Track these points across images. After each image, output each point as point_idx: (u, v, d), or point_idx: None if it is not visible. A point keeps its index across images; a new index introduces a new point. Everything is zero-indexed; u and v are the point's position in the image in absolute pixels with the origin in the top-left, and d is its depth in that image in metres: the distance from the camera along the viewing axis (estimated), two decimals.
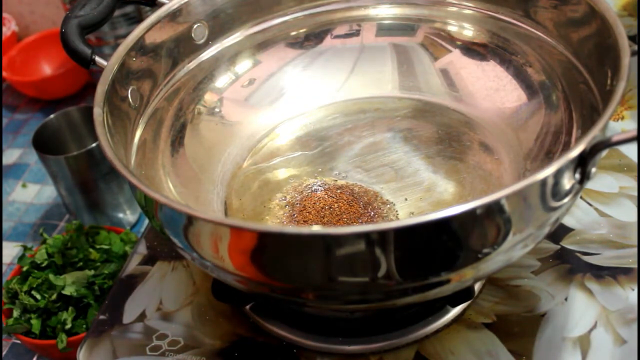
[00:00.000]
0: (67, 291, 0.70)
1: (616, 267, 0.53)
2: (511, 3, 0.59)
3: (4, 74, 1.14)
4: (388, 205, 0.54)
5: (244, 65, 0.64)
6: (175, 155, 0.58)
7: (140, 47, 0.54)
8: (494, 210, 0.38)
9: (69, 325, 0.70)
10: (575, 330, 0.50)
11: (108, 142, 0.44)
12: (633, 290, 0.52)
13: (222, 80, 0.63)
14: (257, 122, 0.64)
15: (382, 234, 0.37)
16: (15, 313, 0.71)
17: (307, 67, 0.66)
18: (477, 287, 0.53)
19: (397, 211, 0.54)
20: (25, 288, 0.72)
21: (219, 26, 0.62)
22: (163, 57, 0.57)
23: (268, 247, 0.39)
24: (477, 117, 0.61)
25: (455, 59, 0.63)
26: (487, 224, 0.38)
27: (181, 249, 0.44)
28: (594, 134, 0.38)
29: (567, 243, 0.56)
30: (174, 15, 0.57)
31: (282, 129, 0.64)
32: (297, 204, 0.56)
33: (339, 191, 0.56)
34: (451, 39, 0.64)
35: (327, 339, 0.51)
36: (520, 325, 0.50)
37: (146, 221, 0.86)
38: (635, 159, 0.61)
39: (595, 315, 0.50)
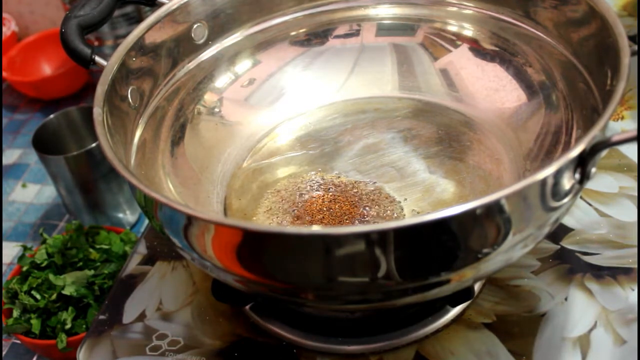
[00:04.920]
0: (67, 291, 0.70)
1: (616, 267, 0.53)
2: (511, 3, 0.59)
3: (4, 74, 1.14)
4: (393, 203, 0.54)
5: (243, 65, 0.64)
6: (175, 155, 0.58)
7: (140, 47, 0.54)
8: (494, 210, 0.38)
9: (69, 325, 0.70)
10: (575, 330, 0.50)
11: (108, 142, 0.44)
12: (633, 290, 0.52)
13: (222, 80, 0.63)
14: (257, 122, 0.64)
15: (382, 234, 0.37)
16: (15, 313, 0.71)
17: (307, 67, 0.66)
18: (477, 287, 0.53)
19: (402, 209, 0.54)
20: (25, 288, 0.72)
21: (219, 26, 0.62)
22: (163, 57, 0.57)
23: (268, 248, 0.39)
24: (477, 117, 0.61)
25: (455, 59, 0.63)
26: (487, 224, 0.38)
27: (181, 249, 0.44)
28: (594, 134, 0.38)
29: (567, 243, 0.56)
30: (173, 15, 0.57)
31: (282, 129, 0.64)
32: (297, 204, 0.56)
33: (339, 191, 0.56)
34: (451, 39, 0.64)
35: (327, 339, 0.51)
36: (520, 325, 0.50)
37: (146, 221, 0.86)
38: (635, 159, 0.61)
39: (595, 315, 0.50)
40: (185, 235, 0.41)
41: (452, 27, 0.64)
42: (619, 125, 0.66)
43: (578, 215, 0.58)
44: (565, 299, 0.52)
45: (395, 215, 0.54)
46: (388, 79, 0.65)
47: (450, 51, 0.63)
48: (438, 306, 0.52)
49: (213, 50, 0.62)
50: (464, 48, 0.63)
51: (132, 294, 0.58)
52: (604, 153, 0.48)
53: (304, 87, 0.66)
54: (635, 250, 0.54)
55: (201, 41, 0.61)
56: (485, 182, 0.55)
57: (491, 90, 0.61)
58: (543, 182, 0.38)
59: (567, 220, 0.57)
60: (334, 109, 0.65)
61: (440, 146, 0.59)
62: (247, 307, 0.54)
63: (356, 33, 0.66)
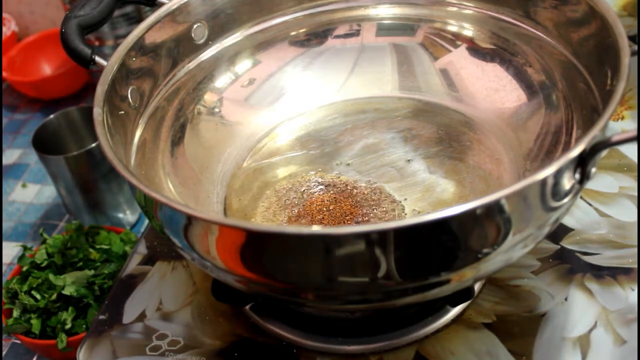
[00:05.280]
0: (67, 291, 0.70)
1: (616, 267, 0.53)
2: (511, 3, 0.59)
3: (4, 74, 1.14)
4: (394, 203, 0.54)
5: (244, 65, 0.64)
6: (175, 155, 0.58)
7: (140, 47, 0.54)
8: (494, 210, 0.38)
9: (69, 325, 0.70)
10: (575, 330, 0.50)
11: (108, 142, 0.44)
12: (633, 290, 0.52)
13: (222, 80, 0.63)
14: (257, 122, 0.64)
15: (382, 234, 0.37)
16: (15, 313, 0.71)
17: (307, 67, 0.66)
18: (477, 287, 0.53)
19: (403, 209, 0.54)
20: (25, 288, 0.72)
21: (219, 26, 0.62)
22: (163, 57, 0.57)
23: (268, 247, 0.39)
24: (477, 117, 0.61)
25: (455, 59, 0.63)
26: (487, 224, 0.38)
27: (181, 249, 0.44)
28: (594, 134, 0.38)
29: (567, 243, 0.56)
30: (173, 15, 0.57)
31: (282, 129, 0.64)
32: (297, 204, 0.56)
33: (339, 191, 0.56)
34: (451, 39, 0.64)
35: (327, 339, 0.51)
36: (520, 325, 0.50)
37: (146, 221, 0.86)
38: (635, 159, 0.61)
39: (595, 315, 0.50)
40: (185, 235, 0.41)
41: (452, 27, 0.64)
42: (619, 125, 0.66)
43: (578, 215, 0.58)
44: (565, 299, 0.52)
45: (396, 215, 0.54)
46: (388, 79, 0.65)
47: (450, 51, 0.63)
48: (438, 306, 0.52)
49: (213, 50, 0.62)
50: (464, 48, 0.63)
51: (132, 294, 0.58)
52: (604, 153, 0.48)
53: (304, 87, 0.66)
54: (635, 250, 0.54)
55: (201, 41, 0.61)
56: (485, 182, 0.55)
57: (491, 90, 0.61)
58: (543, 182, 0.38)
59: (567, 220, 0.57)
60: (334, 109, 0.65)
61: (440, 146, 0.59)
62: (247, 307, 0.54)
63: (356, 33, 0.66)
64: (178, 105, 0.59)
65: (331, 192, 0.56)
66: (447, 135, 0.60)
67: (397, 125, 0.62)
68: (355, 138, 0.61)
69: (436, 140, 0.60)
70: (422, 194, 0.55)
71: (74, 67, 1.09)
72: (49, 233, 0.90)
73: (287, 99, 0.65)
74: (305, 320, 0.53)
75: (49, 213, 0.95)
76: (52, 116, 0.87)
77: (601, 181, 0.60)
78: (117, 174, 0.42)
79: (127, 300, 0.57)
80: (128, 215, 0.89)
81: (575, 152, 0.38)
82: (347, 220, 0.53)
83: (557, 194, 0.40)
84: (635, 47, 0.46)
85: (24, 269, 0.75)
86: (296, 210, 0.55)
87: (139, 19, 1.03)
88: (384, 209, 0.54)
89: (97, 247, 0.76)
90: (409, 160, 0.58)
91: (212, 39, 0.61)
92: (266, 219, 0.55)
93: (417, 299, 0.43)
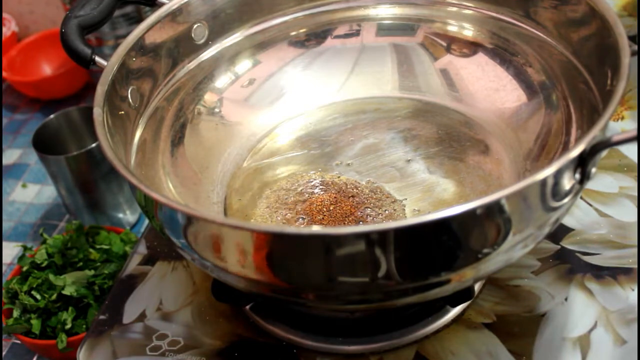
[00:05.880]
0: (67, 291, 0.70)
1: (616, 267, 0.53)
2: (511, 3, 0.59)
3: (4, 74, 1.14)
4: (394, 203, 0.54)
5: (244, 65, 0.64)
6: (175, 155, 0.58)
7: (140, 47, 0.54)
8: (494, 210, 0.38)
9: (69, 325, 0.70)
10: (575, 331, 0.50)
11: (108, 142, 0.44)
12: (633, 290, 0.52)
13: (222, 80, 0.63)
14: (257, 122, 0.64)
15: (382, 234, 0.37)
16: (15, 313, 0.71)
17: (307, 67, 0.66)
18: (477, 287, 0.53)
19: (403, 209, 0.54)
20: (25, 288, 0.72)
21: (219, 26, 0.62)
22: (163, 57, 0.57)
23: (268, 248, 0.39)
24: (477, 117, 0.61)
25: (455, 59, 0.63)
26: (487, 224, 0.38)
27: (181, 249, 0.44)
28: (594, 134, 0.38)
29: (567, 243, 0.56)
30: (174, 15, 0.57)
31: (282, 129, 0.64)
32: (297, 204, 0.56)
33: (339, 191, 0.56)
34: (451, 39, 0.64)
35: (327, 339, 0.51)
36: (520, 325, 0.50)
37: (146, 221, 0.86)
38: (635, 159, 0.61)
39: (595, 315, 0.50)
40: (185, 235, 0.41)
41: (452, 27, 0.64)
42: (619, 125, 0.66)
43: (578, 215, 0.58)
44: (566, 299, 0.52)
45: (396, 215, 0.54)
46: (388, 79, 0.65)
47: (450, 51, 0.63)
48: (438, 306, 0.52)
49: (213, 50, 0.62)
50: (465, 48, 0.63)
51: (132, 294, 0.58)
52: (604, 153, 0.48)
53: (304, 87, 0.66)
54: (635, 250, 0.54)
55: (201, 41, 0.61)
56: (485, 182, 0.55)
57: (491, 90, 0.61)
58: (543, 182, 0.38)
59: (567, 220, 0.57)
60: (334, 109, 0.65)
61: (440, 146, 0.59)
62: (247, 307, 0.54)
63: (356, 33, 0.66)
64: (178, 105, 0.59)
65: (331, 192, 0.56)
66: (447, 135, 0.60)
67: (397, 125, 0.62)
68: (355, 138, 0.61)
69: (436, 140, 0.60)
70: (422, 194, 0.55)
71: (74, 67, 1.09)
72: (49, 233, 0.90)
73: (287, 99, 0.65)
74: (305, 320, 0.53)
75: (49, 213, 0.95)
76: (52, 116, 0.87)
77: (601, 181, 0.60)
78: (117, 174, 0.42)
79: (127, 300, 0.57)
80: (128, 215, 0.89)
81: (575, 152, 0.38)
82: (347, 221, 0.53)
83: (557, 194, 0.40)
84: (635, 47, 0.46)
85: (24, 269, 0.75)
86: (296, 211, 0.55)
87: (139, 19, 1.03)
88: (384, 209, 0.54)
89: (97, 247, 0.76)
90: (409, 160, 0.58)
91: (212, 39, 0.61)
92: (266, 219, 0.55)
93: (417, 299, 0.43)
